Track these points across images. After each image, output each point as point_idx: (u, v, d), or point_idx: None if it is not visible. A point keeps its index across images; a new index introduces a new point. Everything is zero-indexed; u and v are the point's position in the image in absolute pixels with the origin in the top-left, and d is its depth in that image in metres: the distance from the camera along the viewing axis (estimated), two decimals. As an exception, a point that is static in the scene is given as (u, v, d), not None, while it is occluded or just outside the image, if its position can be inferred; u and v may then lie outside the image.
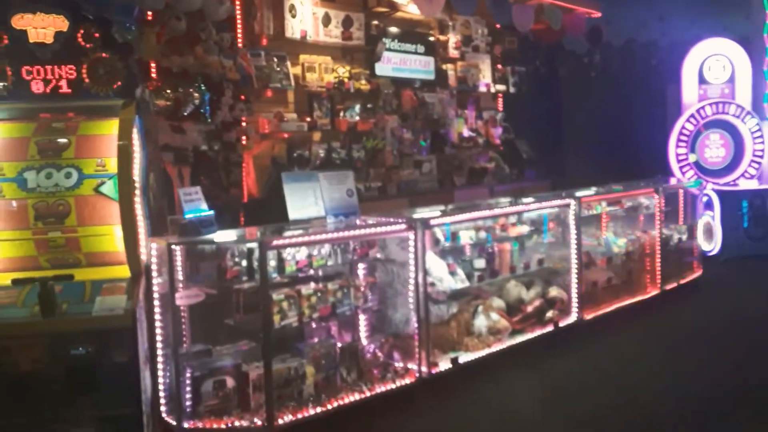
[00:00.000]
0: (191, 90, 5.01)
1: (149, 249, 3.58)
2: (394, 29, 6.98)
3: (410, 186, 6.93)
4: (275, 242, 3.57)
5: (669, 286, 6.49)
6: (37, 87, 3.36)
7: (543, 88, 9.78)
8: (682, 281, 6.75)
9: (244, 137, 5.50)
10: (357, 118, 6.40)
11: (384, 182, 6.64)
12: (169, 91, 4.87)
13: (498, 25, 8.22)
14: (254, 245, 3.49)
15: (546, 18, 8.00)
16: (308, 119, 6.01)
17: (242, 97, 5.40)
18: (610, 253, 6.16)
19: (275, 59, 5.75)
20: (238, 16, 5.35)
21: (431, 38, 7.50)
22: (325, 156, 6.20)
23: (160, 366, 3.68)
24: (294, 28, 5.76)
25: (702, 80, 9.28)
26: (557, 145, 10.34)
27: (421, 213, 4.74)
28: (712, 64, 9.14)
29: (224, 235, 3.70)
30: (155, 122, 4.01)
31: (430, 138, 7.45)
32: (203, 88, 5.09)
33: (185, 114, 5.00)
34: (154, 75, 4.79)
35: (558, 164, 9.89)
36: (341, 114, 6.31)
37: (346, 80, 6.26)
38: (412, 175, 7.04)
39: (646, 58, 10.85)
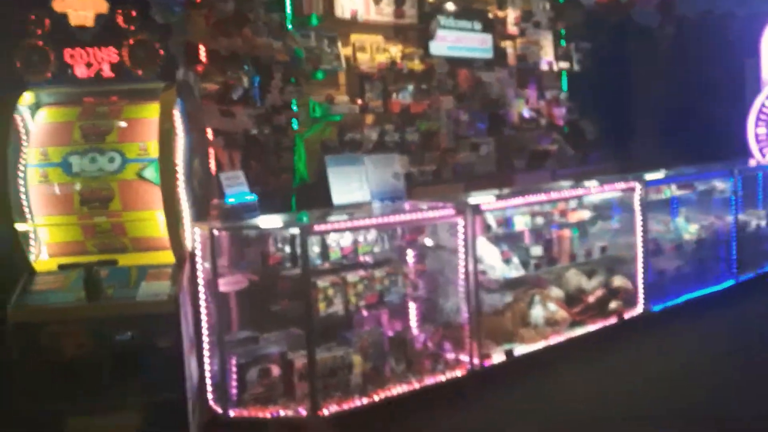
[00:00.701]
0: (240, 73, 4.93)
1: (194, 234, 3.53)
2: (449, 6, 6.71)
3: (467, 170, 6.68)
4: (317, 227, 3.45)
5: (745, 276, 6.05)
6: (80, 71, 3.33)
7: (610, 66, 9.30)
8: (761, 271, 6.28)
9: (295, 121, 5.40)
10: (410, 99, 6.20)
11: (439, 166, 6.42)
12: (218, 74, 4.80)
13: (561, -1, 7.83)
14: (296, 231, 3.38)
15: (612, -12, 7.55)
16: (360, 101, 5.86)
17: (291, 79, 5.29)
18: (680, 240, 5.78)
19: (326, 40, 5.61)
20: (287, -4, 5.21)
21: (489, 14, 7.18)
22: (377, 139, 6.04)
23: (206, 353, 3.64)
24: (344, 7, 5.59)
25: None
26: (626, 126, 9.81)
27: (474, 197, 4.54)
28: (796, 36, 8.44)
29: (268, 221, 3.61)
30: (200, 106, 3.95)
31: (488, 119, 7.17)
32: (252, 70, 5.00)
33: (235, 98, 4.93)
34: (202, 58, 4.73)
35: (627, 146, 9.40)
36: (394, 95, 6.12)
37: (398, 60, 6.06)
38: (468, 158, 6.80)
39: (723, 30, 10.16)
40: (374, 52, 5.98)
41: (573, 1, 7.61)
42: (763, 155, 8.36)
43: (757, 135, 8.53)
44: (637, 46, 9.80)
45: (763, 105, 8.49)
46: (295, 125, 5.43)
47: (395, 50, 6.13)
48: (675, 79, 9.81)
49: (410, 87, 6.20)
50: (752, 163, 7.36)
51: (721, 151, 7.77)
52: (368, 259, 3.98)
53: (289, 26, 5.32)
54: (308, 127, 5.58)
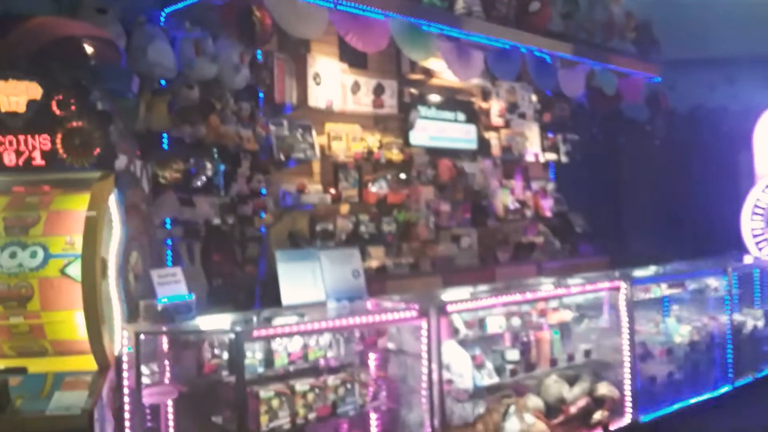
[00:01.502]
0: (204, 161, 4.75)
1: (122, 338, 3.21)
2: (431, 96, 6.64)
3: (446, 262, 6.40)
4: (256, 332, 3.13)
5: (742, 381, 5.63)
6: (8, 159, 3.12)
7: (600, 157, 9.19)
8: (759, 375, 5.86)
9: (262, 210, 5.18)
10: (386, 189, 6.00)
11: (417, 258, 6.15)
12: (180, 162, 4.62)
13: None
14: (231, 336, 3.06)
15: (599, 83, 7.50)
16: (333, 191, 5.65)
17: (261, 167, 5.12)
18: (671, 342, 5.40)
19: (299, 129, 5.47)
20: (258, 84, 5.11)
21: (473, 105, 7.11)
22: (352, 230, 5.81)
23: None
24: (318, 97, 5.48)
25: (777, 147, 8.47)
26: (617, 219, 9.61)
27: (443, 296, 4.23)
28: (788, 130, 8.35)
29: (203, 323, 3.29)
30: (146, 196, 3.72)
31: (471, 210, 6.96)
32: (217, 158, 4.83)
33: (197, 186, 4.73)
34: (162, 145, 4.57)
35: (618, 239, 9.16)
36: (369, 185, 5.93)
37: (375, 150, 5.91)
38: (449, 251, 6.53)
39: (715, 124, 10.15)
40: (350, 141, 5.84)
41: (559, 95, 7.53)
42: (760, 250, 8.08)
43: (752, 230, 8.29)
44: (628, 138, 9.75)
45: (757, 199, 8.30)
46: (262, 215, 5.21)
47: (373, 140, 5.99)
48: (667, 171, 9.69)
49: (386, 177, 6.02)
50: (748, 259, 7.05)
51: (715, 244, 7.51)
52: (321, 364, 3.63)
53: (261, 115, 5.20)
54: (277, 217, 5.36)
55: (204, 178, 4.76)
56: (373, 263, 5.76)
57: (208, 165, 4.77)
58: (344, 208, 5.89)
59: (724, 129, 9.94)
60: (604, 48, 7.62)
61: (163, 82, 4.54)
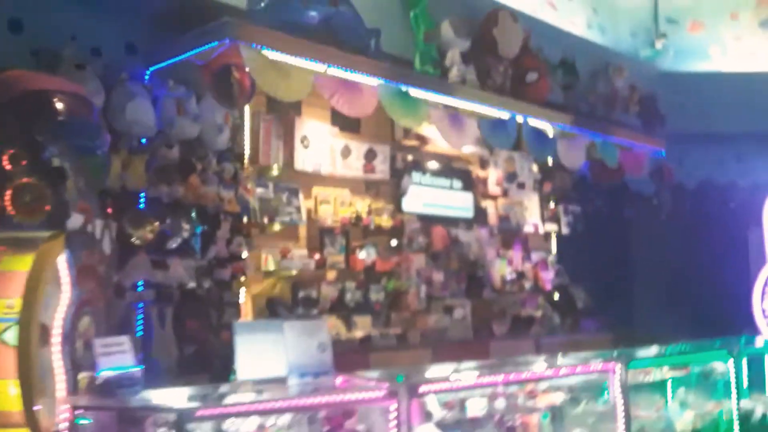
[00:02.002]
0: (182, 222, 4.60)
1: (61, 411, 2.96)
2: (425, 162, 6.52)
3: (438, 335, 6.11)
4: (202, 412, 2.87)
5: (753, 477, 5.21)
6: (-45, 215, 2.98)
7: (604, 230, 8.96)
8: (771, 470, 5.42)
9: (242, 275, 4.99)
10: (375, 256, 5.80)
11: (406, 329, 5.87)
12: (155, 222, 4.47)
13: (549, 160, 7.67)
14: (172, 416, 2.81)
15: (600, 155, 7.35)
16: (318, 256, 5.46)
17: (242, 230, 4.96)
18: (672, 430, 5.02)
19: (285, 191, 5.33)
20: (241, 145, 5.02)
21: (469, 173, 6.98)
22: (337, 297, 5.59)
23: None
24: (306, 160, 5.37)
25: (788, 225, 8.21)
26: (622, 294, 9.27)
27: (428, 371, 3.96)
28: (798, 207, 8.10)
29: (153, 396, 3.04)
30: (103, 258, 3.55)
31: (466, 280, 6.72)
32: (196, 220, 4.68)
33: (171, 248, 4.56)
34: (138, 205, 4.44)
35: (623, 315, 8.81)
36: (357, 251, 5.74)
37: (364, 215, 5.75)
38: (441, 322, 6.25)
39: (724, 200, 9.94)
40: (338, 206, 5.69)
41: (560, 165, 7.38)
42: (771, 332, 7.71)
43: (764, 310, 7.94)
44: (633, 211, 9.53)
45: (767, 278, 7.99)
46: (242, 279, 5.02)
47: (362, 205, 5.84)
48: (675, 246, 9.42)
49: (374, 244, 5.83)
50: (758, 340, 6.70)
51: (725, 323, 7.18)
52: (280, 446, 3.34)
53: (244, 176, 5.08)
54: (257, 282, 5.17)
55: (180, 239, 4.60)
56: (358, 333, 5.50)
57: (185, 226, 4.61)
58: (330, 275, 5.68)
59: (733, 205, 9.73)
60: (606, 120, 7.52)
61: (144, 140, 4.47)
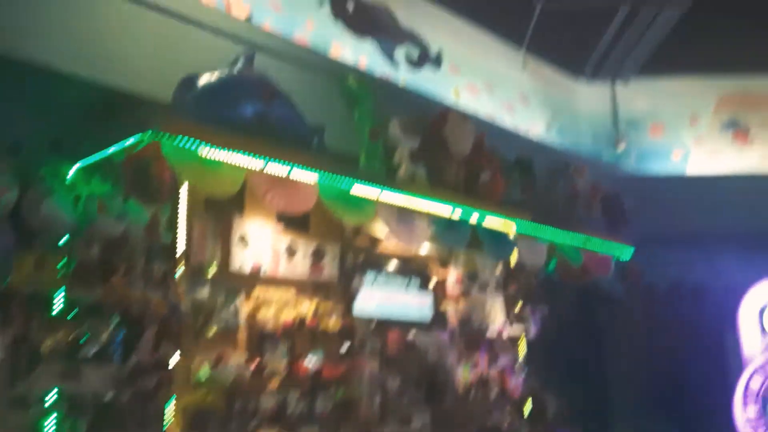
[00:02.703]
0: (99, 327, 4.26)
1: None
2: (379, 261, 6.27)
3: (393, 448, 5.64)
4: None
5: None
6: None
7: (576, 332, 8.66)
8: None
9: (168, 384, 4.58)
10: (322, 362, 5.41)
11: (357, 442, 5.41)
12: (68, 328, 4.12)
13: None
14: None
15: (563, 255, 7.15)
16: (256, 363, 5.07)
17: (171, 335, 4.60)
18: None
19: (223, 293, 5.02)
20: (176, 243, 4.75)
21: (427, 272, 6.72)
22: (278, 408, 5.14)
23: None
24: (244, 261, 5.10)
25: (764, 330, 7.97)
26: (597, 401, 8.81)
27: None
28: (774, 310, 7.92)
29: None
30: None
31: (425, 388, 6.29)
32: (117, 324, 4.34)
33: (86, 356, 4.19)
34: (49, 310, 4.11)
35: (598, 424, 8.33)
36: (301, 358, 5.35)
37: (309, 318, 5.42)
38: (397, 434, 5.78)
39: (697, 302, 9.71)
40: (281, 308, 5.35)
41: (523, 265, 7.14)
42: (754, 442, 7.28)
43: (747, 420, 7.53)
44: (605, 312, 9.27)
45: (747, 385, 7.65)
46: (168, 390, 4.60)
47: (307, 307, 5.51)
48: (648, 349, 9.09)
49: (319, 350, 5.46)
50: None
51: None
52: None
53: (175, 277, 4.78)
54: (187, 393, 4.74)
55: (97, 346, 4.24)
56: (303, 448, 5.03)
57: (104, 331, 4.27)
58: (275, 383, 5.26)
59: (706, 307, 9.49)
60: (568, 218, 7.37)
61: (62, 239, 4.20)
